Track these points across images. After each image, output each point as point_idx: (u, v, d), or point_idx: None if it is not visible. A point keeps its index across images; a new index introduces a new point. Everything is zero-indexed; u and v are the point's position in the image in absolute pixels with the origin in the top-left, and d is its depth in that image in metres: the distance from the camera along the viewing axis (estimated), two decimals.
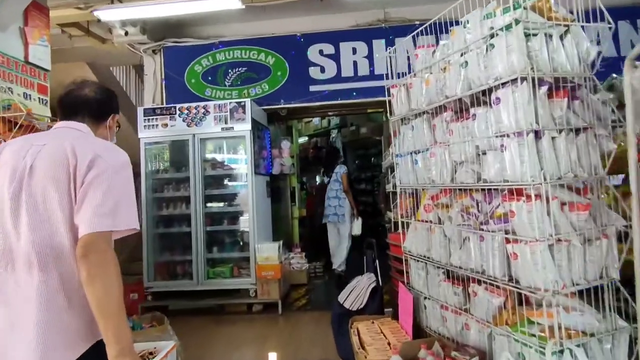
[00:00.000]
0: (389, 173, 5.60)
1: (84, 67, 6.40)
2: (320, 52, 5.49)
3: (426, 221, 2.41)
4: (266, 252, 4.68)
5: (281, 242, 4.93)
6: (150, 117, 4.96)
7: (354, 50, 5.45)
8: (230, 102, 4.87)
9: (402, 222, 2.84)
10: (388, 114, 5.94)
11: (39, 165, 1.26)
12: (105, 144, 1.37)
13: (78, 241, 1.19)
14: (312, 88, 5.48)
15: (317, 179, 9.23)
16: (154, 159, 5.18)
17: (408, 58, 5.61)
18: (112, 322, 1.15)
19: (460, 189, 2.10)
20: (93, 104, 1.46)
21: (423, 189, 2.55)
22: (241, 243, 5.09)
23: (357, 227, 5.60)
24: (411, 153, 2.60)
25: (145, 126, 4.96)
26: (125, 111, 5.66)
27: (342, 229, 5.66)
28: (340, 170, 5.76)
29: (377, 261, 3.03)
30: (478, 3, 2.11)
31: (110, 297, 1.16)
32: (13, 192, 1.24)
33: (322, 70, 5.47)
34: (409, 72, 5.38)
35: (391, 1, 5.24)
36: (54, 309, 1.20)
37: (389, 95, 5.51)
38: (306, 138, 9.79)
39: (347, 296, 2.86)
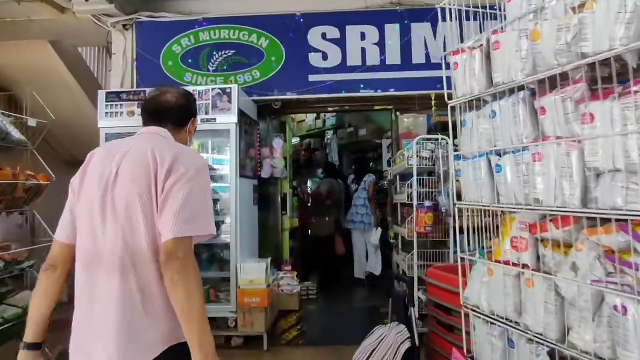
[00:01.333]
0: (398, 181, 4.81)
1: (46, 47, 5.44)
2: (323, 35, 4.66)
3: (515, 264, 1.58)
4: (251, 273, 3.80)
5: (269, 261, 4.06)
6: (114, 103, 4.06)
7: (363, 36, 4.64)
8: (213, 89, 4.00)
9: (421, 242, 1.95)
10: (395, 113, 5.24)
11: (123, 171, 1.31)
12: (184, 149, 1.41)
13: (161, 247, 1.23)
14: (312, 78, 4.64)
15: (309, 184, 8.38)
16: None
17: (426, 46, 4.87)
18: (195, 327, 1.17)
19: (601, 219, 1.27)
20: (175, 110, 1.51)
21: (509, 212, 1.67)
22: (221, 260, 4.20)
23: (375, 237, 5.57)
24: (488, 154, 1.74)
25: (107, 113, 4.06)
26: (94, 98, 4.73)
27: (371, 238, 5.60)
28: (369, 178, 5.80)
29: (412, 309, 2.14)
30: None
31: (192, 303, 1.18)
32: (101, 196, 1.29)
33: (325, 57, 4.64)
34: (426, 60, 4.64)
35: None
36: (133, 311, 1.23)
37: (404, 89, 4.78)
38: (298, 139, 8.94)
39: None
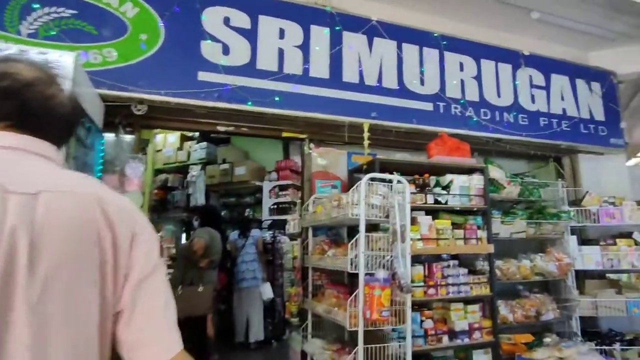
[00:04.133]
0: (310, 236, 3.48)
1: None
2: (226, 21, 3.23)
3: None
4: None
5: None
6: None
7: (282, 33, 3.37)
8: (22, 50, 2.11)
9: None
10: (309, 144, 4.02)
11: (45, 239, 0.72)
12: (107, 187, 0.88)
13: None
14: (204, 76, 3.10)
15: (164, 234, 6.33)
16: None
17: (360, 62, 3.85)
18: None
19: None
20: (70, 115, 0.89)
21: None
22: None
23: (269, 290, 5.23)
24: None
25: None
26: None
27: (265, 293, 5.22)
28: (257, 233, 5.45)
29: None
30: None
31: None
32: None
33: (226, 50, 3.19)
34: (360, 79, 3.59)
35: None
36: None
37: (332, 112, 3.53)
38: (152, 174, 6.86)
39: None
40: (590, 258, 3.99)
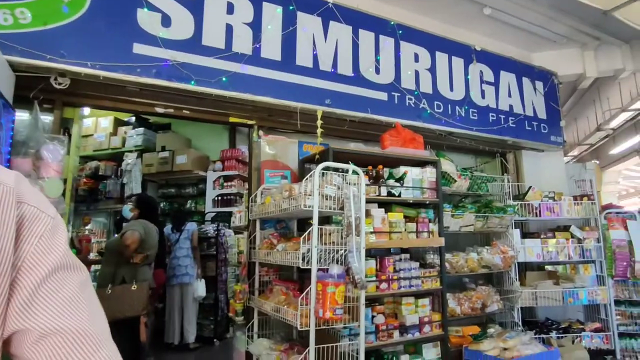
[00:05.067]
0: (258, 228, 3.24)
1: None
2: None
3: None
4: None
5: None
6: None
7: (230, 7, 3.08)
8: None
9: None
10: (258, 131, 3.75)
11: None
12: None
13: None
14: (140, 49, 2.74)
15: (91, 227, 5.77)
16: None
17: (314, 46, 3.63)
18: None
19: None
20: None
21: None
22: None
23: (202, 288, 4.92)
24: None
25: None
26: None
27: (197, 291, 4.91)
28: (192, 227, 5.06)
29: None
30: None
31: None
32: None
33: (167, 21, 2.84)
34: (314, 64, 3.40)
35: None
36: None
37: (283, 97, 3.09)
38: (77, 159, 6.21)
39: None
40: (532, 250, 4.13)
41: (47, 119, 2.83)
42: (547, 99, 4.82)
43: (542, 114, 4.73)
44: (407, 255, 3.37)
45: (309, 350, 2.32)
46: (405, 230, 3.27)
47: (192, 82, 2.86)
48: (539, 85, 4.79)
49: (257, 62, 3.10)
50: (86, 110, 5.02)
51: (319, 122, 3.27)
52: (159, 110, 3.09)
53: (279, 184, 3.31)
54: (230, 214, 5.42)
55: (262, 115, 3.36)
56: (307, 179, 2.51)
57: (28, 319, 0.56)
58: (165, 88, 2.83)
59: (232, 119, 3.36)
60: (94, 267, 4.75)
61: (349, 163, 2.64)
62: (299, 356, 2.55)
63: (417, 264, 3.33)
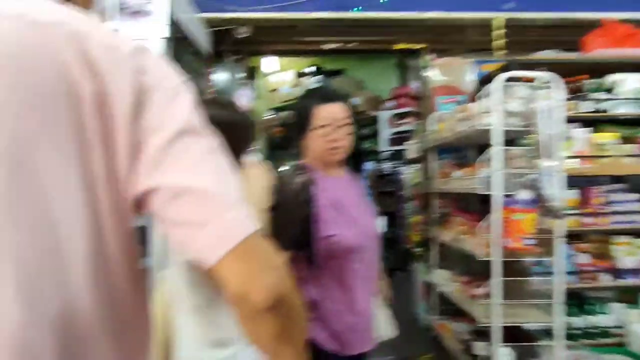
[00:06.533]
0: (428, 159, 3.09)
1: None
2: None
3: None
4: None
5: None
6: None
7: None
8: None
9: None
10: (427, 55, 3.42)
11: None
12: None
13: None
14: None
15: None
16: None
17: None
18: None
19: None
20: None
21: None
22: None
23: (382, 224, 4.49)
24: None
25: None
26: None
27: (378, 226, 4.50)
28: (369, 167, 5.09)
29: None
30: None
31: None
32: None
33: None
34: None
35: None
36: None
37: (451, 8, 2.85)
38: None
39: None
40: None
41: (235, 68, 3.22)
42: None
43: None
44: (623, 186, 2.74)
45: (491, 282, 2.14)
46: (620, 154, 2.64)
47: (354, 8, 2.79)
48: None
49: None
50: (269, 67, 5.59)
51: (499, 33, 2.81)
52: (324, 46, 3.15)
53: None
54: (404, 150, 5.40)
55: (429, 36, 3.08)
56: (484, 93, 2.21)
57: (157, 177, 0.51)
58: (330, 21, 2.84)
59: (398, 46, 3.20)
60: None
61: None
62: (480, 289, 2.41)
63: (638, 195, 2.68)
